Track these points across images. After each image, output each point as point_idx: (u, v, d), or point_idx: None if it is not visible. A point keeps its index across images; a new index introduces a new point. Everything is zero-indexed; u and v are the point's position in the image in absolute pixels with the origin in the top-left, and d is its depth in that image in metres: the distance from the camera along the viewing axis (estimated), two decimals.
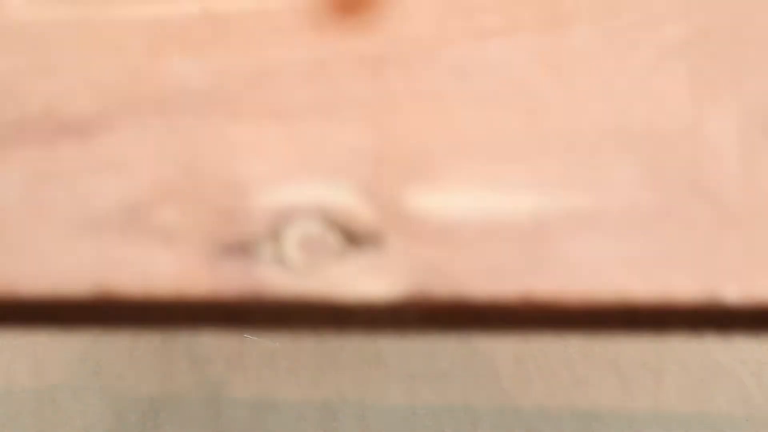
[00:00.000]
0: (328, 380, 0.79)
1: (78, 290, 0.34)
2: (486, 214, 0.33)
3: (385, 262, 0.33)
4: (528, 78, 0.35)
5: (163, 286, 0.34)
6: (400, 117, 0.35)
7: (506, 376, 0.81)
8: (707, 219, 0.34)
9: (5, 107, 0.36)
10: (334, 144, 0.35)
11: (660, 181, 0.34)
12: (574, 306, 0.33)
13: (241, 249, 0.34)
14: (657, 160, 0.34)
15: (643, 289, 0.33)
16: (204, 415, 0.77)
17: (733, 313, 0.34)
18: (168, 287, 0.34)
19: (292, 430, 0.76)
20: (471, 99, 0.35)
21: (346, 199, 0.34)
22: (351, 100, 0.35)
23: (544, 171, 0.34)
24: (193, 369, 0.80)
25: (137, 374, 0.81)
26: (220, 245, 0.34)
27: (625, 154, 0.34)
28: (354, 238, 0.34)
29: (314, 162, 0.35)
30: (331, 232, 0.34)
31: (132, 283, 0.34)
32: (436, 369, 0.81)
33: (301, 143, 0.35)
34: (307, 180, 0.35)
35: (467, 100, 0.35)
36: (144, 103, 0.36)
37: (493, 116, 0.34)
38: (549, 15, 0.35)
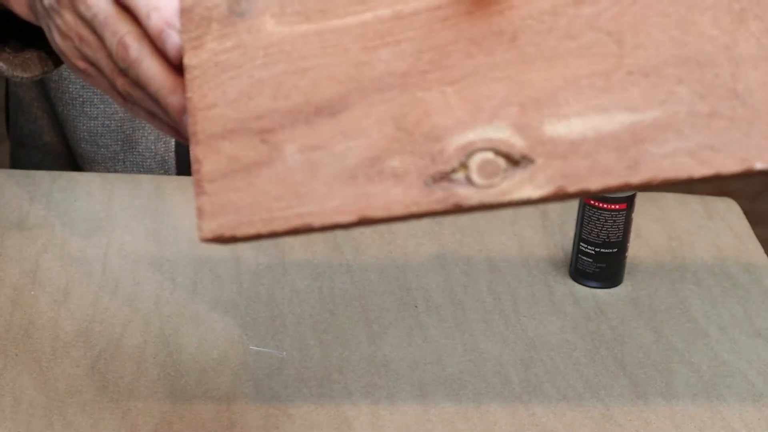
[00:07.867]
0: (339, 388, 0.79)
1: (346, 219, 0.49)
2: (595, 132, 0.50)
3: (535, 174, 0.50)
4: (613, 32, 0.51)
5: (399, 209, 0.50)
6: (532, 73, 0.51)
7: (516, 380, 0.81)
8: None
9: (278, 101, 0.52)
10: (492, 98, 0.51)
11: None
12: (637, 185, 0.48)
13: (444, 178, 0.50)
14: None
15: None
16: (216, 427, 0.75)
17: None
18: (402, 210, 0.50)
19: None
20: (577, 52, 0.51)
21: (505, 135, 0.50)
22: (496, 65, 0.51)
23: (629, 96, 0.50)
24: (202, 380, 0.79)
25: (147, 387, 0.79)
26: (430, 178, 0.50)
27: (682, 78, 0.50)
28: (513, 160, 0.50)
29: (482, 112, 0.51)
30: (498, 157, 0.50)
31: (379, 210, 0.50)
32: (445, 375, 0.81)
33: (471, 101, 0.51)
34: (479, 125, 0.51)
35: (575, 53, 0.51)
36: (367, 85, 0.52)
37: (595, 62, 0.51)
38: None
